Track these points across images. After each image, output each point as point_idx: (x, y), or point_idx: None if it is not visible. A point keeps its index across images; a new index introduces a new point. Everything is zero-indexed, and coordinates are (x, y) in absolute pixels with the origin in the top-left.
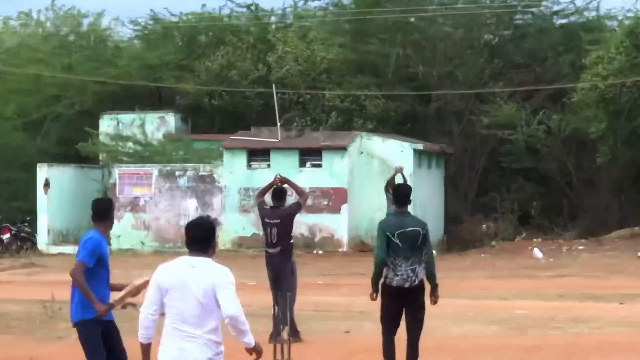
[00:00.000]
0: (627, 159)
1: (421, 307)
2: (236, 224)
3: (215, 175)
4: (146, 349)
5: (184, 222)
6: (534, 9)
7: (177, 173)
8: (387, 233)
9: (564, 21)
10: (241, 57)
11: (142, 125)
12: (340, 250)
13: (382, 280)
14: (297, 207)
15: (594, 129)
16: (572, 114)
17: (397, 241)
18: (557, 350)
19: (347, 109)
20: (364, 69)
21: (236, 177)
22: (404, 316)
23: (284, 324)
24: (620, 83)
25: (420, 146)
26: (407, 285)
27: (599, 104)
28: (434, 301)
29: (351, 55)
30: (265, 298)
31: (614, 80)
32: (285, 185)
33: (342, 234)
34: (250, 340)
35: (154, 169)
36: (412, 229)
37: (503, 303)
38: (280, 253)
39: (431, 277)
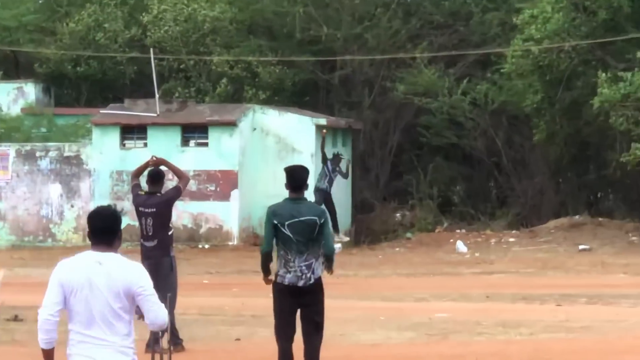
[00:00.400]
0: (565, 135)
1: (320, 311)
2: None
3: (82, 157)
4: (49, 355)
5: (46, 211)
6: None
7: (37, 154)
8: (276, 222)
9: None
10: (110, 17)
11: None
12: (229, 243)
13: (273, 277)
14: (176, 193)
15: (528, 102)
16: (502, 83)
17: (288, 232)
18: (483, 359)
19: (237, 77)
20: (256, 30)
21: (107, 158)
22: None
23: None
24: (558, 47)
25: (323, 121)
26: (301, 283)
27: (533, 73)
28: (330, 271)
29: (241, 14)
30: None
31: (550, 44)
32: (163, 167)
33: (232, 225)
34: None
35: (10, 149)
36: (307, 218)
37: (421, 305)
38: (157, 247)
39: (329, 253)
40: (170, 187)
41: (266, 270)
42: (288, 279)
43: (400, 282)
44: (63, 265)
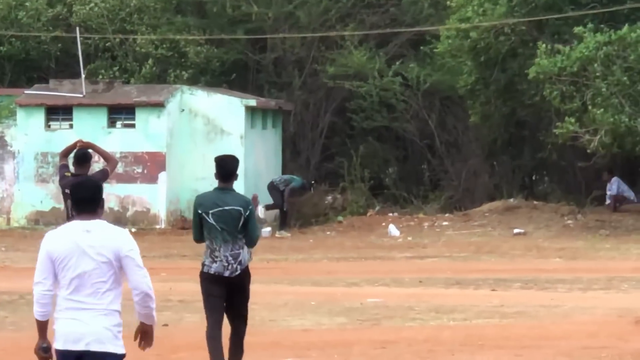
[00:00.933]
0: (500, 117)
1: (245, 302)
2: (32, 196)
3: (6, 138)
4: (43, 326)
5: None
6: None
7: None
8: (200, 211)
9: None
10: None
11: None
12: (157, 227)
13: (200, 267)
14: (103, 176)
15: (461, 83)
16: (435, 64)
17: (212, 221)
18: (416, 345)
19: (163, 57)
20: (185, 9)
21: (32, 140)
22: None
23: None
24: (494, 28)
25: (252, 102)
26: (227, 273)
27: (468, 54)
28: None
29: None
30: None
31: (487, 24)
32: (90, 150)
33: (160, 208)
34: (154, 319)
35: None
36: (231, 207)
37: (352, 290)
38: None
39: (249, 246)
40: (97, 170)
41: None
42: (214, 268)
43: (332, 266)
44: (50, 237)
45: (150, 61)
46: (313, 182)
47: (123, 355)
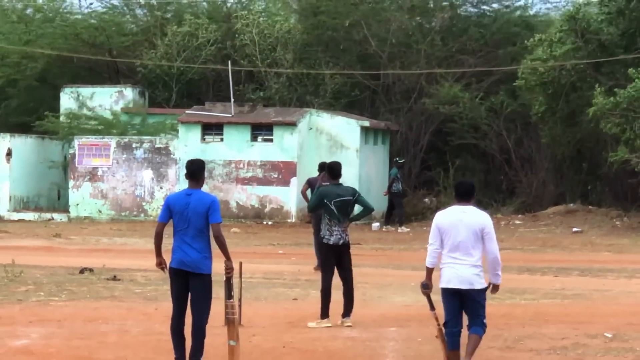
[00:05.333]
0: (566, 139)
1: (350, 261)
2: None
3: (170, 148)
4: (430, 271)
5: (139, 192)
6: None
7: (134, 145)
8: (326, 201)
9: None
10: (203, 27)
11: (92, 98)
12: (289, 221)
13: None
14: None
15: (534, 111)
16: (517, 96)
17: (333, 207)
18: (494, 319)
19: (302, 85)
20: (320, 43)
21: (191, 150)
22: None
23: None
24: (560, 66)
25: (366, 123)
26: (340, 242)
27: (539, 87)
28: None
29: (309, 31)
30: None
31: (554, 63)
32: None
33: (291, 206)
34: (499, 279)
35: (112, 141)
36: (345, 198)
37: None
38: None
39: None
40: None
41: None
42: (332, 240)
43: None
44: (439, 216)
45: (284, 78)
46: (402, 160)
47: (486, 288)
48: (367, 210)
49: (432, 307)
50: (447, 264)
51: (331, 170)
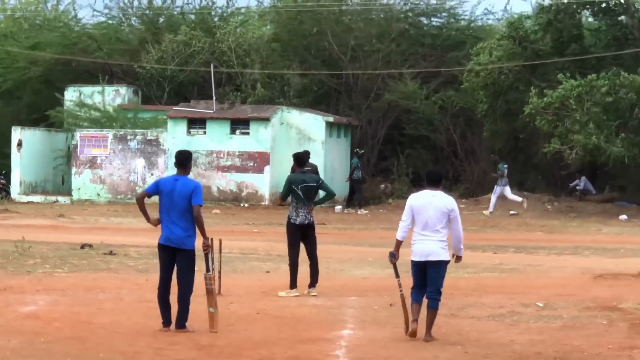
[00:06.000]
0: (504, 133)
1: (315, 239)
2: None
3: (160, 140)
4: (399, 244)
5: (133, 178)
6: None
7: (128, 137)
8: (293, 186)
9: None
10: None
11: (101, 95)
12: (262, 204)
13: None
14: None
15: (479, 109)
16: (463, 95)
17: (300, 192)
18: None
19: (271, 85)
20: (287, 48)
21: (177, 141)
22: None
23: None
24: (499, 69)
25: (330, 119)
26: (305, 222)
27: (482, 88)
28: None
29: (277, 35)
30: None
31: (494, 66)
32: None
33: (265, 191)
34: (461, 252)
35: (109, 133)
36: (310, 184)
37: None
38: None
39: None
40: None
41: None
42: (299, 220)
43: (383, 233)
44: (412, 198)
45: (259, 86)
46: (362, 151)
47: (448, 261)
48: (330, 195)
49: (397, 275)
50: (417, 240)
51: (298, 159)
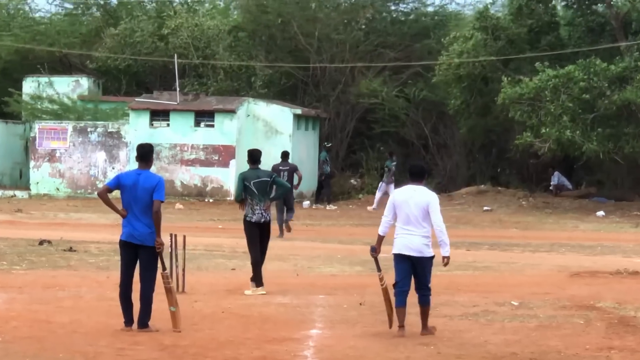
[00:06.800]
0: (478, 129)
1: (268, 237)
2: None
3: (122, 132)
4: (381, 239)
5: (94, 172)
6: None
7: (88, 129)
8: (246, 183)
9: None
10: (141, 26)
11: (59, 86)
12: (227, 199)
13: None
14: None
15: (451, 105)
16: (434, 88)
17: (253, 188)
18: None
19: (236, 75)
20: (252, 38)
21: (140, 134)
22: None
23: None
24: (472, 62)
25: (298, 111)
26: (261, 221)
27: (455, 82)
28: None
29: (244, 27)
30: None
31: (467, 59)
32: None
33: (230, 185)
34: (445, 251)
35: (69, 125)
36: (263, 179)
37: (367, 247)
38: None
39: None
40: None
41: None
42: (255, 218)
43: (352, 230)
44: (395, 193)
45: (221, 74)
46: (330, 144)
47: (433, 257)
48: (284, 188)
49: (379, 269)
50: (400, 235)
51: (251, 156)
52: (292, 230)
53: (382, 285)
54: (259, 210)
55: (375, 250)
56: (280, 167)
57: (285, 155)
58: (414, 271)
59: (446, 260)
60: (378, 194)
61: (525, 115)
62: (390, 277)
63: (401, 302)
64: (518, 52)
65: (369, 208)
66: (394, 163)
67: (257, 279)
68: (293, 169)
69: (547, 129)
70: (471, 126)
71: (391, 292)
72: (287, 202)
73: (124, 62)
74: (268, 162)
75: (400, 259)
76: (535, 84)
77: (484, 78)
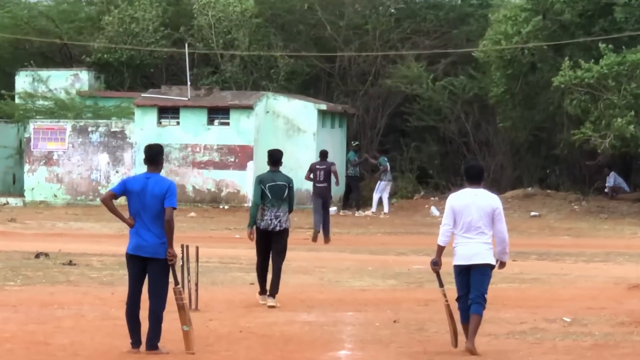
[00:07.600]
0: (523, 122)
1: (282, 247)
2: None
3: (126, 132)
4: (441, 250)
5: (95, 176)
6: None
7: (89, 128)
8: (261, 186)
9: None
10: (142, 8)
11: (47, 81)
12: (245, 205)
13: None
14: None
15: (492, 93)
16: (475, 79)
17: (267, 192)
18: (452, 303)
19: (256, 68)
20: (275, 26)
21: (147, 133)
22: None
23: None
24: (521, 47)
25: (323, 106)
26: (270, 228)
27: (498, 65)
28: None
29: (264, 13)
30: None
31: (518, 41)
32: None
33: (247, 190)
34: (505, 257)
35: (67, 124)
36: (279, 183)
37: (401, 258)
38: None
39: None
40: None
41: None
42: (263, 225)
43: (385, 239)
44: (452, 197)
45: (238, 63)
46: (357, 142)
47: (494, 266)
48: (290, 205)
49: (441, 284)
50: (460, 243)
51: (271, 157)
52: (330, 241)
53: (445, 302)
54: (269, 216)
55: (436, 264)
56: (317, 167)
57: (323, 154)
58: (472, 279)
59: (504, 266)
60: (384, 196)
61: (582, 105)
62: (426, 292)
63: (467, 319)
64: (570, 36)
65: (381, 215)
66: (387, 159)
67: (261, 286)
68: (328, 168)
69: (609, 122)
70: (513, 119)
71: (454, 307)
72: (325, 204)
73: (126, 53)
74: (289, 163)
75: (461, 270)
76: (599, 69)
77: (531, 65)
